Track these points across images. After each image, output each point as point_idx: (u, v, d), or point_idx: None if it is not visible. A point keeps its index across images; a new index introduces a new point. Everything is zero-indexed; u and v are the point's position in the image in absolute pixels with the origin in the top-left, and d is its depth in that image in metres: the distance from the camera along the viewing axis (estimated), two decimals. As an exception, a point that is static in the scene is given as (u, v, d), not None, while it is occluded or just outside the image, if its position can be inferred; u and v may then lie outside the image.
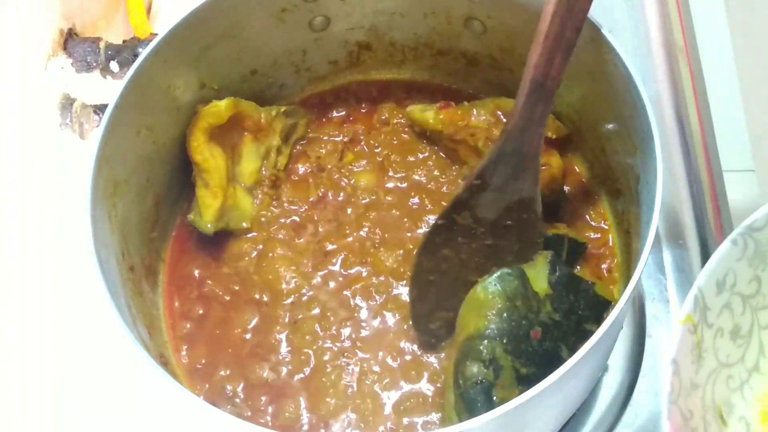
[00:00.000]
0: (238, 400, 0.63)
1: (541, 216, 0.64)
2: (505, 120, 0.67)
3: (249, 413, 0.62)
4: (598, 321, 0.59)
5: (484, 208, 0.64)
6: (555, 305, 0.60)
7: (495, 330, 0.59)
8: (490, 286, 0.60)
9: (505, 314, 0.59)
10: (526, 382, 0.57)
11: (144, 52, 0.60)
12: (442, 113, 0.70)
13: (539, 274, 0.61)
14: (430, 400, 0.62)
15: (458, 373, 0.59)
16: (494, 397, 0.57)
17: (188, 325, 0.66)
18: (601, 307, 0.61)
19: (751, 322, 0.61)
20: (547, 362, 0.57)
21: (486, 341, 0.58)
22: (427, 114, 0.71)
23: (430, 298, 0.65)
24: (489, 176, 0.63)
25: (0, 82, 0.67)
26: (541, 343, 0.59)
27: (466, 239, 0.65)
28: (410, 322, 0.65)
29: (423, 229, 0.68)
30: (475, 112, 0.69)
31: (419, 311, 0.65)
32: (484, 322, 0.59)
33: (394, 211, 0.70)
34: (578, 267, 0.66)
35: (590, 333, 0.52)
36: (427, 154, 0.72)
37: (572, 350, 0.55)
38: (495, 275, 0.60)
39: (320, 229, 0.69)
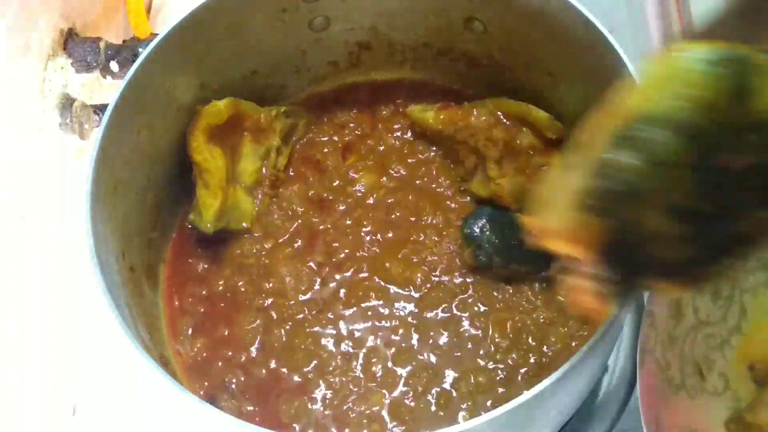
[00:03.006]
0: (237, 400, 0.63)
1: None
2: (504, 121, 0.67)
3: (248, 413, 0.62)
4: None
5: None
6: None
7: (687, 120, 0.37)
8: (700, 65, 0.37)
9: (708, 110, 0.37)
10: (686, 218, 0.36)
11: (144, 52, 0.60)
12: (442, 113, 0.70)
13: None
14: (432, 404, 0.62)
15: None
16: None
17: (188, 325, 0.66)
18: None
19: (733, 285, 0.62)
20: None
21: (668, 133, 0.37)
22: (427, 114, 0.71)
23: None
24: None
25: (0, 82, 0.67)
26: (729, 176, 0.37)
27: None
28: None
29: (422, 233, 0.68)
30: (475, 113, 0.68)
31: None
32: (668, 101, 0.37)
33: (394, 211, 0.70)
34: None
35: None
36: (427, 155, 0.72)
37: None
38: (705, 51, 0.38)
39: (321, 230, 0.69)
